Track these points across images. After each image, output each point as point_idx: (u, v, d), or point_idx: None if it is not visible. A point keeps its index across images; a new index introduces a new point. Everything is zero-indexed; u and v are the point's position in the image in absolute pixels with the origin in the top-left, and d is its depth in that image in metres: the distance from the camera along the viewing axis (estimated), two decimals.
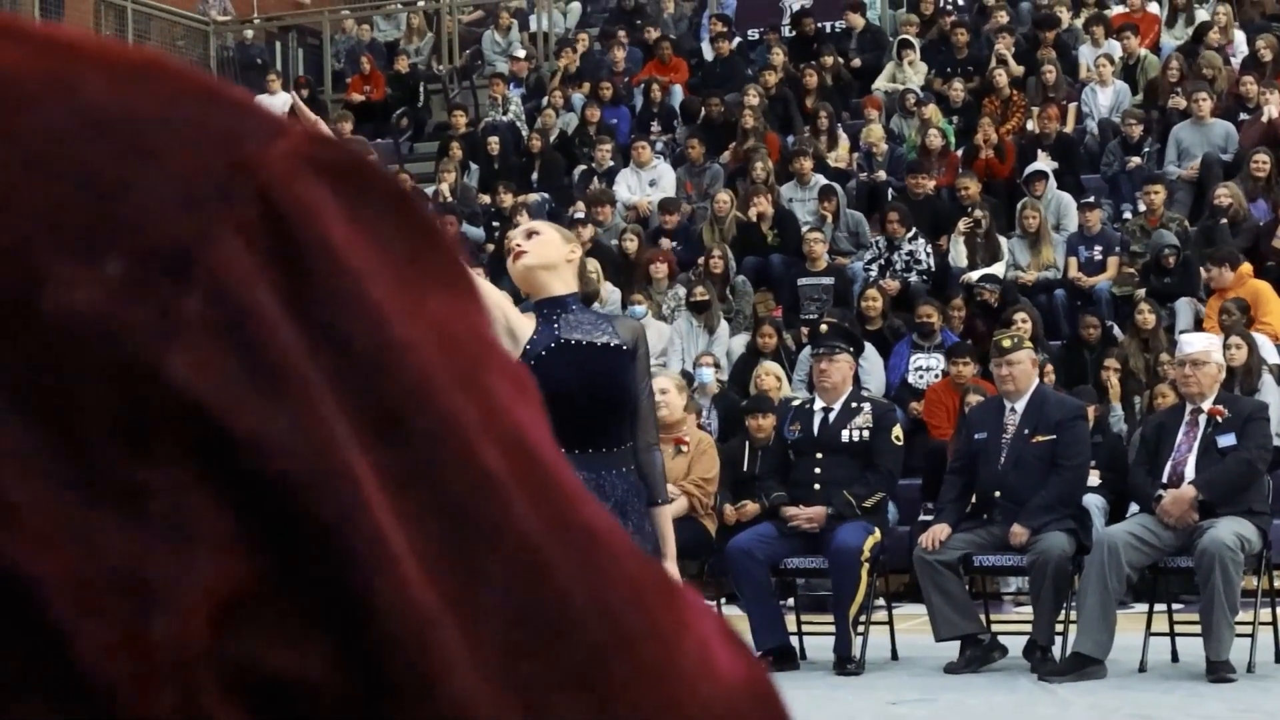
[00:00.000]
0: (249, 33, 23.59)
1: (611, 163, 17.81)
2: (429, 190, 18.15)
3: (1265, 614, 8.90)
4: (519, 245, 5.34)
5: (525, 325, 5.29)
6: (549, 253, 5.32)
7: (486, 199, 17.87)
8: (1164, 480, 8.99)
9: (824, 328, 9.96)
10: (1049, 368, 12.08)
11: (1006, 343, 9.52)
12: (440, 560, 0.66)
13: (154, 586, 0.64)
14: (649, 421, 5.41)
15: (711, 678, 0.71)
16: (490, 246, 16.73)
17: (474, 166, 18.66)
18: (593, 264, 5.22)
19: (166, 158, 0.66)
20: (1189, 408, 9.16)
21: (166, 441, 0.64)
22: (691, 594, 0.73)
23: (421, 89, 21.54)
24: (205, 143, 0.67)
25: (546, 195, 17.90)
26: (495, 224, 17.16)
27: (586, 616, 0.68)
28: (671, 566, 5.35)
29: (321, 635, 0.65)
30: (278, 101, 21.12)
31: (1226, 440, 8.96)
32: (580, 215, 16.36)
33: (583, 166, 18.07)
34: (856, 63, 19.22)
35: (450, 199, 17.58)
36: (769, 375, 12.57)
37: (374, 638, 0.65)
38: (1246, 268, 13.48)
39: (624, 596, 0.69)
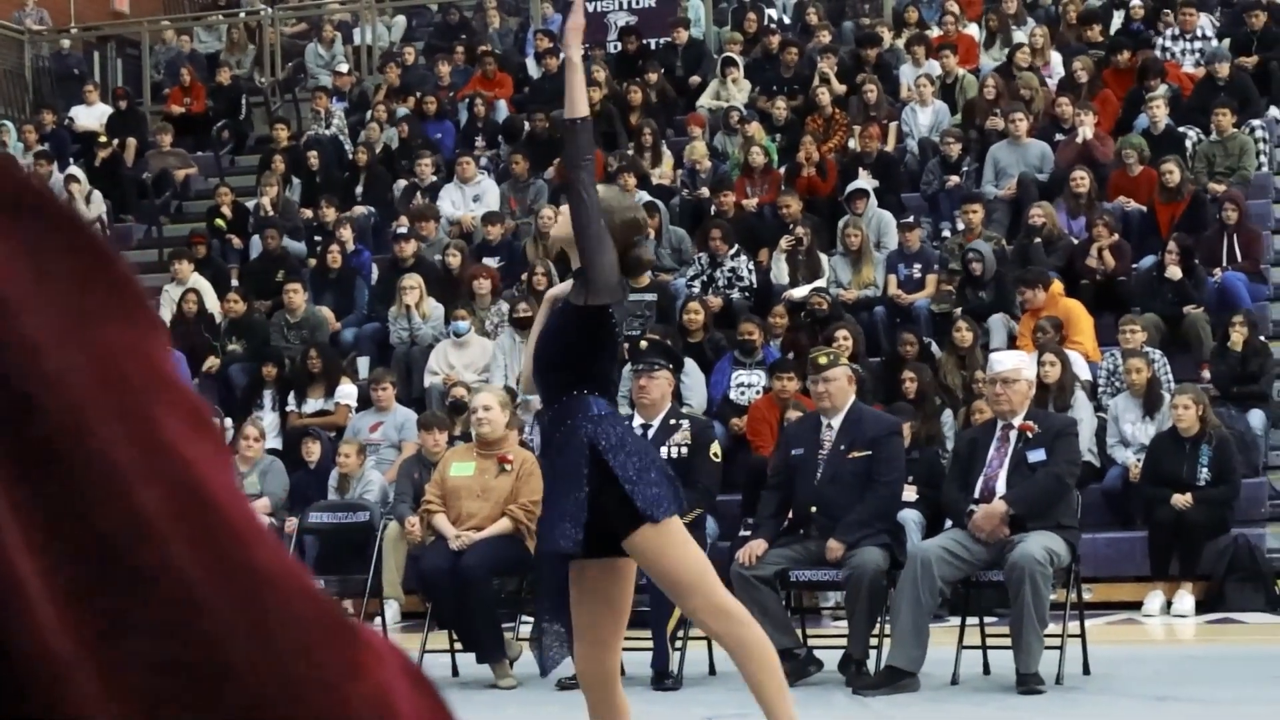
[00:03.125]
0: (66, 42, 23.16)
1: (435, 177, 17.69)
2: (250, 204, 17.93)
3: (1073, 626, 8.98)
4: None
5: None
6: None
7: (309, 213, 17.65)
8: (976, 495, 9.05)
9: (644, 344, 9.91)
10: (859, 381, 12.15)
11: (823, 359, 9.51)
12: (84, 604, 0.63)
13: None
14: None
15: None
16: (313, 261, 16.56)
17: (296, 180, 18.43)
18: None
19: None
20: (1000, 424, 9.22)
21: None
22: (373, 637, 0.70)
23: (243, 101, 21.27)
24: None
25: (371, 209, 17.76)
26: (317, 239, 16.97)
27: (247, 664, 0.65)
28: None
29: None
30: (95, 113, 20.78)
31: (1036, 456, 9.02)
32: (404, 230, 16.24)
33: (405, 181, 17.93)
34: (681, 80, 19.29)
35: (272, 213, 17.37)
36: None
37: (7, 684, 0.62)
38: (1058, 287, 13.67)
39: (292, 643, 0.66)
